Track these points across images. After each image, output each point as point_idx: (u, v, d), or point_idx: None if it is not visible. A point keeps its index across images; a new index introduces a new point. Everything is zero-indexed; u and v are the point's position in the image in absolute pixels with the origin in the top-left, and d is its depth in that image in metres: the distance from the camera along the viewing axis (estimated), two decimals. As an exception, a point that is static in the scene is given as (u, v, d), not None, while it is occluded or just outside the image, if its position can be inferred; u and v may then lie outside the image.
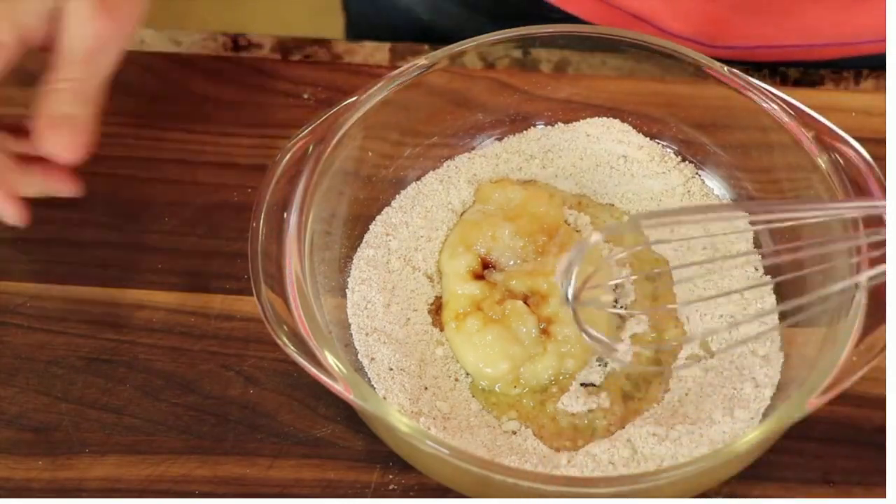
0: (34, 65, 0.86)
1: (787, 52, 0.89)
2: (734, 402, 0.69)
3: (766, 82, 0.74)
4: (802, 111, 0.73)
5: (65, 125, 0.69)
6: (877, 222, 0.63)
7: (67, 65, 0.69)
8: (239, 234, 0.75)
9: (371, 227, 0.77)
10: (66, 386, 0.73)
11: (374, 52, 0.87)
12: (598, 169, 0.80)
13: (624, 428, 0.69)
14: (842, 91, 0.86)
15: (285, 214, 0.68)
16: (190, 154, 0.82)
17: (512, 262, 0.74)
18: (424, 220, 0.77)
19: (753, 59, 0.88)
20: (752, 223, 0.75)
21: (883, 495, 0.68)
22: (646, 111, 0.80)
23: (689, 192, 0.79)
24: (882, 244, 0.63)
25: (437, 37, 0.83)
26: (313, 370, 0.63)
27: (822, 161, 0.71)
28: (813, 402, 0.63)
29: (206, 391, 0.73)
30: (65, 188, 0.73)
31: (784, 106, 0.73)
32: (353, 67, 0.86)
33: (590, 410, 0.70)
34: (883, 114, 0.83)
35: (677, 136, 0.80)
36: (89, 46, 0.69)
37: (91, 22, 0.68)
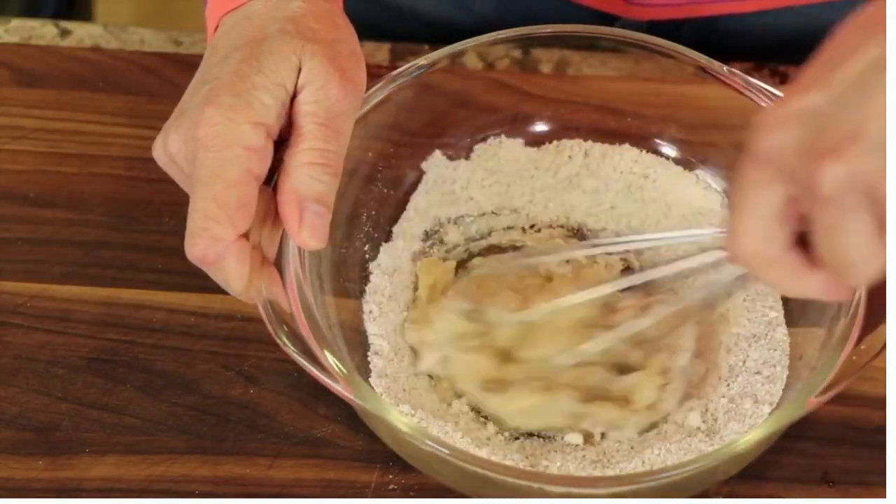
0: (34, 64, 0.87)
1: (717, 6, 0.89)
2: (730, 415, 0.69)
3: (766, 82, 0.74)
4: (802, 111, 0.73)
5: (314, 211, 0.62)
6: None
7: (314, 133, 0.63)
8: (239, 234, 0.75)
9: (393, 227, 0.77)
10: (66, 386, 0.73)
11: (373, 52, 0.87)
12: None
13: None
14: (842, 91, 0.86)
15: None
16: (190, 154, 0.82)
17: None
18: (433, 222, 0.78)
19: (680, 16, 0.88)
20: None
21: (883, 495, 0.68)
22: (646, 111, 0.80)
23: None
24: None
25: (438, 37, 0.82)
26: (313, 370, 0.63)
27: (821, 161, 0.71)
28: (813, 401, 0.63)
29: (206, 391, 0.72)
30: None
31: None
32: (352, 67, 0.86)
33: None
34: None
35: (677, 136, 0.80)
36: (331, 110, 0.63)
37: (329, 86, 0.63)
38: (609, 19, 0.89)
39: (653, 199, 0.78)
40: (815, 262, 0.54)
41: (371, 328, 0.73)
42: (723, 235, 0.57)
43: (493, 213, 0.79)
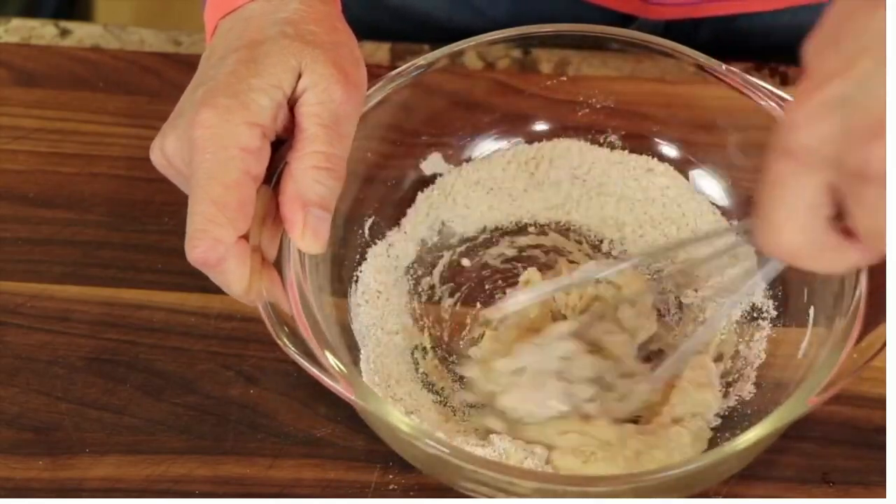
0: (34, 64, 0.87)
1: (734, 5, 0.89)
2: None
3: (766, 82, 0.74)
4: (802, 111, 0.73)
5: (316, 215, 0.63)
6: None
7: (319, 136, 0.63)
8: (239, 234, 0.75)
9: (368, 225, 0.77)
10: (67, 386, 0.73)
11: (373, 51, 0.87)
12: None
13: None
14: (842, 91, 0.86)
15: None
16: (190, 154, 0.82)
17: None
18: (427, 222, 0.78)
19: (697, 15, 0.88)
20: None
21: (883, 495, 0.68)
22: (646, 111, 0.80)
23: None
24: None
25: (438, 36, 0.82)
26: (313, 370, 0.63)
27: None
28: (813, 400, 0.63)
29: (207, 391, 0.73)
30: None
31: (784, 105, 0.73)
32: (352, 67, 0.86)
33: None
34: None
35: (677, 136, 0.80)
36: (335, 113, 0.63)
37: (333, 89, 0.63)
38: (626, 20, 0.89)
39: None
40: (850, 236, 0.55)
41: (369, 324, 0.73)
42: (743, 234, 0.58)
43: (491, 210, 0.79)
